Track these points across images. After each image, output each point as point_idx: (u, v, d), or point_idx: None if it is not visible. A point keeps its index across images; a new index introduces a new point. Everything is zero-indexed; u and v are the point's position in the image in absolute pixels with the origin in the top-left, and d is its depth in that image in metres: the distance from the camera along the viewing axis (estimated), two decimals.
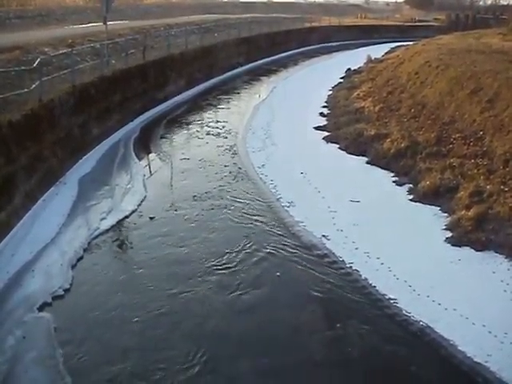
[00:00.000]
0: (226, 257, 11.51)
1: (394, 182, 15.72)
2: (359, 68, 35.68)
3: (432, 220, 13.12)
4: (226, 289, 10.33)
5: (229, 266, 11.17)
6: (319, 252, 11.77)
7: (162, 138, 21.03)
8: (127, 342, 8.82)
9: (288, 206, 14.11)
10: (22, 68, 16.61)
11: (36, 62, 15.70)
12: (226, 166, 17.35)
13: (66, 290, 10.19)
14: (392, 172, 16.32)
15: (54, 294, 10.00)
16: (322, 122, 22.79)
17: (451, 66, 21.49)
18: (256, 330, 9.27)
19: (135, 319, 9.36)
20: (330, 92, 29.53)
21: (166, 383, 7.91)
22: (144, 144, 19.99)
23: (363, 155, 17.98)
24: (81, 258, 11.40)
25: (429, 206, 13.81)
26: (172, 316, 9.50)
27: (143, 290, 10.31)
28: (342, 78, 33.83)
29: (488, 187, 13.32)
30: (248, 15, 54.89)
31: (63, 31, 27.71)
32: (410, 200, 14.39)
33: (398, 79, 25.69)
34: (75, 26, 31.50)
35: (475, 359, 8.35)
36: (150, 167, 17.56)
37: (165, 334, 8.99)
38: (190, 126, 23.00)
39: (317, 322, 9.45)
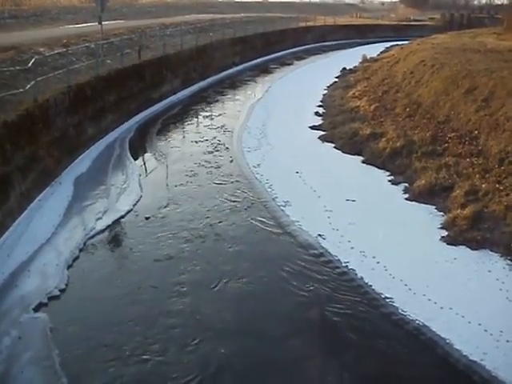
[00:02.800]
0: (222, 256, 11.54)
1: (389, 181, 15.74)
2: (354, 67, 35.71)
3: (427, 219, 13.13)
4: (222, 289, 10.36)
5: (225, 263, 11.20)
6: (315, 251, 11.77)
7: (157, 138, 21.01)
8: (124, 341, 8.81)
9: (284, 206, 14.11)
10: (17, 68, 16.59)
11: (31, 62, 15.68)
12: (221, 166, 17.35)
13: (62, 291, 10.19)
14: (387, 171, 16.34)
15: (50, 295, 9.99)
16: (318, 121, 22.80)
17: (446, 65, 21.54)
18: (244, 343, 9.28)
19: (131, 319, 9.36)
20: (326, 91, 29.54)
21: None
22: (139, 144, 19.99)
23: (359, 154, 18.00)
24: (77, 258, 11.40)
25: (424, 205, 13.83)
26: (170, 314, 9.50)
27: (139, 289, 10.31)
28: (337, 77, 33.86)
29: (483, 186, 13.35)
30: (243, 15, 54.87)
31: (58, 31, 27.66)
32: (406, 199, 14.41)
33: (394, 78, 25.74)
34: (70, 26, 31.44)
35: (471, 358, 8.37)
36: (145, 167, 17.54)
37: (163, 335, 8.99)
38: (185, 127, 22.99)
39: (312, 321, 9.47)
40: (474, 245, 11.59)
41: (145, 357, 8.45)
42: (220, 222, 13.20)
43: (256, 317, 9.58)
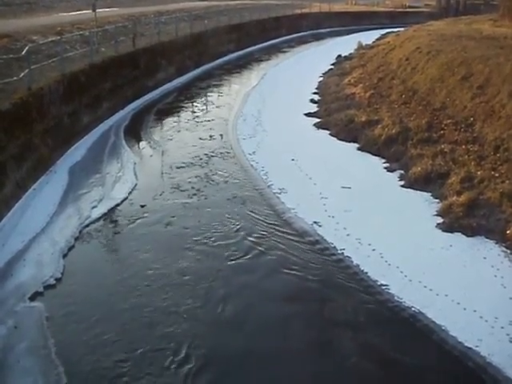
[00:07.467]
0: (218, 244, 11.54)
1: (385, 168, 15.73)
2: (350, 54, 35.56)
3: (423, 206, 13.15)
4: (219, 281, 10.38)
5: (222, 254, 11.19)
6: (311, 238, 11.78)
7: (152, 125, 20.95)
8: (119, 329, 8.82)
9: (279, 193, 14.10)
10: (11, 56, 16.49)
11: (24, 50, 15.59)
12: (216, 154, 17.30)
13: (58, 280, 10.19)
14: (383, 158, 16.33)
15: (46, 284, 9.99)
16: (313, 108, 22.75)
17: (442, 52, 21.47)
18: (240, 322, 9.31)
19: (127, 307, 9.37)
20: (321, 78, 29.44)
21: None
22: (134, 132, 19.92)
23: (354, 141, 17.97)
24: (72, 247, 11.39)
25: (420, 192, 13.84)
26: (168, 306, 9.52)
27: (134, 277, 10.30)
28: (332, 64, 33.73)
29: (479, 173, 13.37)
30: (238, 2, 54.57)
31: (52, 19, 27.49)
32: (402, 186, 14.41)
33: (389, 65, 25.66)
34: (64, 14, 31.24)
35: (466, 344, 8.41)
36: (140, 155, 17.47)
37: (159, 330, 9.01)
38: (180, 115, 22.92)
39: (309, 310, 9.48)
40: (470, 232, 11.62)
41: (142, 346, 8.47)
42: (216, 210, 13.19)
43: (249, 300, 9.62)
